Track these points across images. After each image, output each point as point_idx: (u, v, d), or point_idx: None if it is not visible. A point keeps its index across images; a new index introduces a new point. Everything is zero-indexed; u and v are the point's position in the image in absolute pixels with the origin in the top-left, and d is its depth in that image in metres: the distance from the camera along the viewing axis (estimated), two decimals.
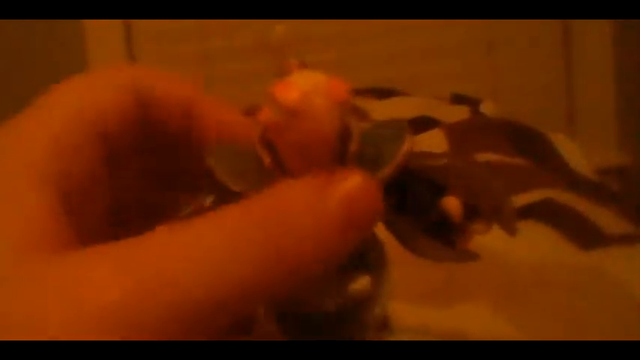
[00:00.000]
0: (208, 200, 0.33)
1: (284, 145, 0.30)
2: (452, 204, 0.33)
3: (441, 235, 0.34)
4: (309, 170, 0.30)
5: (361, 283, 0.33)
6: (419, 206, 0.34)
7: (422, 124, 1.00)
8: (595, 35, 1.84)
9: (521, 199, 0.72)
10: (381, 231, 0.36)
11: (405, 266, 0.38)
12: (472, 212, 0.34)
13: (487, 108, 1.19)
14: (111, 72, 0.34)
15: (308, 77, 0.29)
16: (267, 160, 0.30)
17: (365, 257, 0.34)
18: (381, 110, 1.14)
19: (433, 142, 0.92)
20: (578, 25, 1.84)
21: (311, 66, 0.31)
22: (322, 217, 0.28)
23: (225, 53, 1.83)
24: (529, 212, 0.68)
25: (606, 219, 0.69)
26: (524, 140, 0.94)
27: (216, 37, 1.83)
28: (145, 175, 0.36)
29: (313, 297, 0.33)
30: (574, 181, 0.82)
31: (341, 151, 0.30)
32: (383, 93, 1.29)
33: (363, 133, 0.32)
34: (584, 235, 0.65)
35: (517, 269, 0.56)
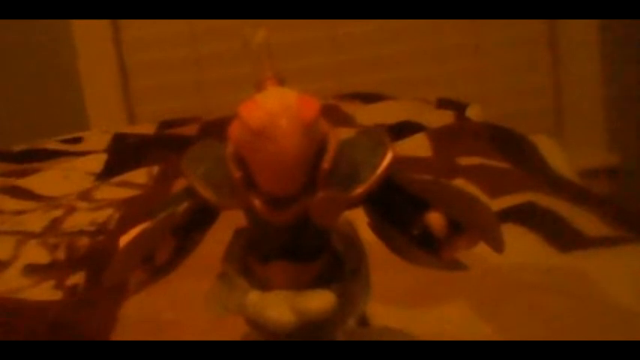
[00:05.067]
0: (182, 207, 0.33)
1: (252, 163, 0.30)
2: (435, 219, 0.33)
3: (425, 247, 0.34)
4: (275, 187, 0.30)
5: (321, 300, 0.33)
6: (401, 220, 0.34)
7: (406, 128, 1.02)
8: (581, 36, 1.84)
9: (503, 202, 0.73)
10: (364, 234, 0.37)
11: (383, 269, 0.39)
12: (456, 227, 0.34)
13: (473, 112, 1.20)
14: None
15: (277, 96, 0.29)
16: (236, 175, 0.30)
17: (334, 271, 0.34)
18: (367, 115, 1.15)
19: (417, 146, 0.93)
20: (564, 26, 1.85)
21: (294, 72, 0.30)
22: None
23: (216, 57, 1.83)
24: (510, 215, 0.69)
25: (587, 222, 0.70)
26: (508, 144, 0.96)
27: (207, 39, 1.82)
28: None
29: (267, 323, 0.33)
30: (556, 184, 0.83)
31: (312, 170, 0.30)
32: (369, 98, 1.31)
33: (343, 144, 0.32)
34: (564, 237, 0.66)
35: (496, 271, 0.57)
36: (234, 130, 0.30)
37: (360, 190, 0.31)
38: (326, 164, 0.30)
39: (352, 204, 0.32)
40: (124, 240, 0.33)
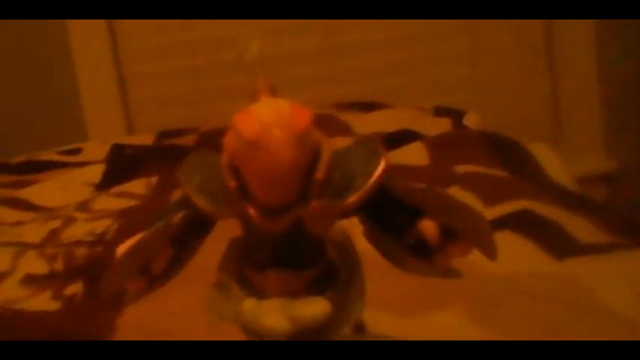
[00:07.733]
0: (178, 217, 0.33)
1: (246, 172, 0.30)
2: (429, 227, 0.33)
3: (419, 255, 0.35)
4: (270, 196, 0.30)
5: (315, 307, 0.33)
6: (395, 228, 0.34)
7: (403, 137, 1.02)
8: (578, 43, 1.85)
9: (499, 210, 0.73)
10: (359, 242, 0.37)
11: (378, 276, 0.39)
12: (450, 235, 0.34)
13: (470, 120, 1.21)
14: None
15: (270, 107, 0.29)
16: (231, 184, 0.31)
17: (328, 279, 0.34)
18: (365, 124, 1.15)
19: (414, 155, 0.93)
20: (561, 33, 1.85)
21: (290, 81, 0.31)
22: None
23: (214, 67, 1.84)
24: (506, 223, 0.69)
25: (582, 229, 0.70)
26: (505, 152, 0.96)
27: (204, 49, 1.82)
28: None
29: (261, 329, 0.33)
30: (552, 192, 0.83)
31: (306, 179, 0.30)
32: (366, 106, 1.31)
33: (337, 153, 0.32)
34: (559, 245, 0.66)
35: (491, 278, 0.57)
36: (229, 141, 0.30)
37: (353, 198, 0.31)
38: (319, 174, 0.31)
39: (346, 213, 0.33)
40: (121, 250, 0.33)
